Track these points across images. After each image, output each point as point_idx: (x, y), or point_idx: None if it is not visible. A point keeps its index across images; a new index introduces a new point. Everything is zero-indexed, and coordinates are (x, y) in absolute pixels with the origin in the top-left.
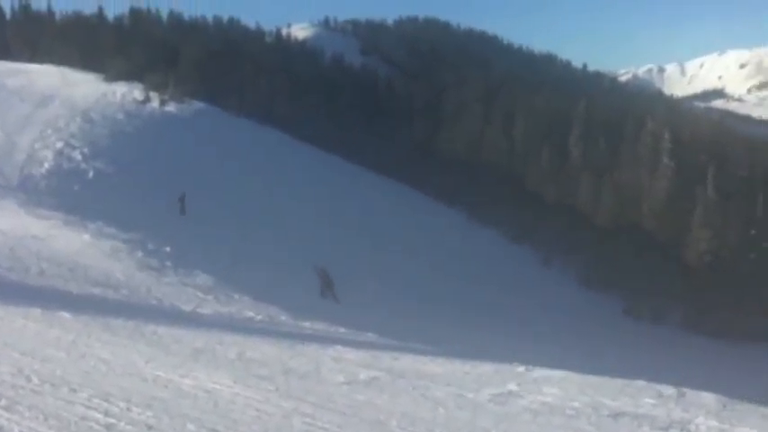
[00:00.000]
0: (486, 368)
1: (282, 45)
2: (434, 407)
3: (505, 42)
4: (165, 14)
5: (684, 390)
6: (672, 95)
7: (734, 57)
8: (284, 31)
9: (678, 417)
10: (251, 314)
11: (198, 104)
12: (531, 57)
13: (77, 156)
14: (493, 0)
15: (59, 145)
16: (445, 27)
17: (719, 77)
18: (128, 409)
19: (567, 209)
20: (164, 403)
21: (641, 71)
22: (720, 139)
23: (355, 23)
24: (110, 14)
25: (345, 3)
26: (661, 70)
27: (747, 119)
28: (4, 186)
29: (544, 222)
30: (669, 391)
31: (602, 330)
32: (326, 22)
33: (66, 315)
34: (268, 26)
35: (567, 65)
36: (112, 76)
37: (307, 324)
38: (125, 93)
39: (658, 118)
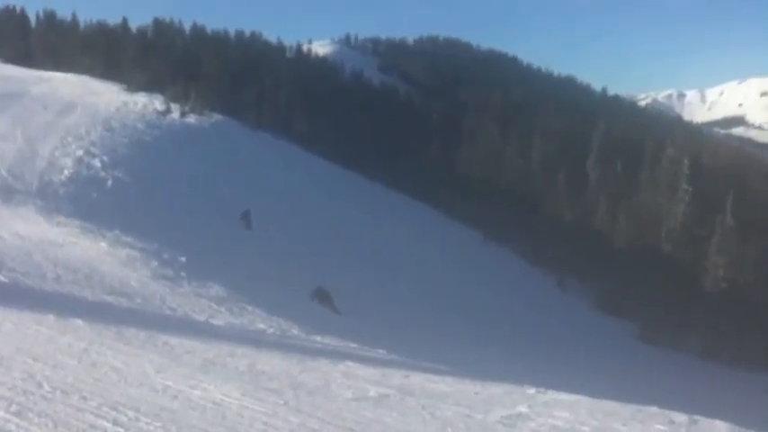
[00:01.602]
0: (496, 389)
1: (302, 61)
2: (443, 427)
3: (525, 64)
4: (187, 27)
5: (697, 417)
6: (691, 121)
7: (755, 85)
8: (305, 47)
9: None
10: (263, 326)
11: (217, 117)
12: (550, 79)
13: (97, 164)
14: (513, 22)
15: (79, 153)
16: (465, 47)
17: (740, 105)
18: (136, 419)
19: (583, 232)
20: (172, 414)
21: (661, 96)
22: (740, 167)
23: (375, 41)
24: (134, 25)
25: (366, 21)
26: (681, 96)
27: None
28: (24, 192)
29: (560, 245)
30: (681, 418)
31: (617, 355)
32: (347, 39)
33: (79, 322)
34: (289, 41)
35: (587, 88)
36: (134, 86)
37: (318, 338)
38: (146, 103)
39: (677, 143)
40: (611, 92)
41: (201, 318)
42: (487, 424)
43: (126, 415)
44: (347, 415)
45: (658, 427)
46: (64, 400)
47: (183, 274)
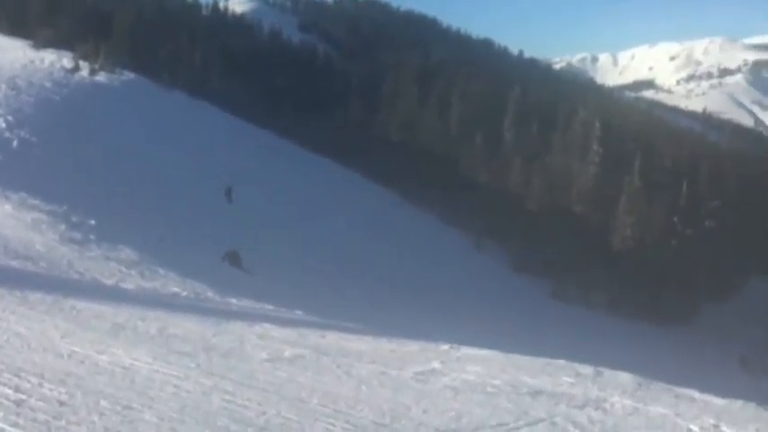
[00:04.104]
0: (411, 347)
1: (219, 18)
2: (357, 385)
3: (444, 26)
4: None
5: (602, 369)
6: (603, 85)
7: (664, 49)
8: (221, 4)
9: (594, 395)
10: (176, 290)
11: (129, 75)
12: (468, 41)
13: (1, 124)
14: None
15: None
16: (385, 7)
17: (650, 69)
18: (40, 385)
19: (498, 193)
20: (78, 379)
21: (575, 59)
22: (648, 129)
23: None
24: None
25: None
26: (594, 59)
27: (675, 110)
28: None
29: (476, 205)
30: (587, 370)
31: (529, 312)
32: None
33: None
34: None
35: (504, 51)
36: (41, 43)
37: (233, 301)
38: (54, 61)
39: (590, 106)
40: (528, 55)
41: (111, 282)
42: (401, 380)
43: (29, 381)
44: (261, 376)
45: (566, 378)
46: None
47: (92, 237)
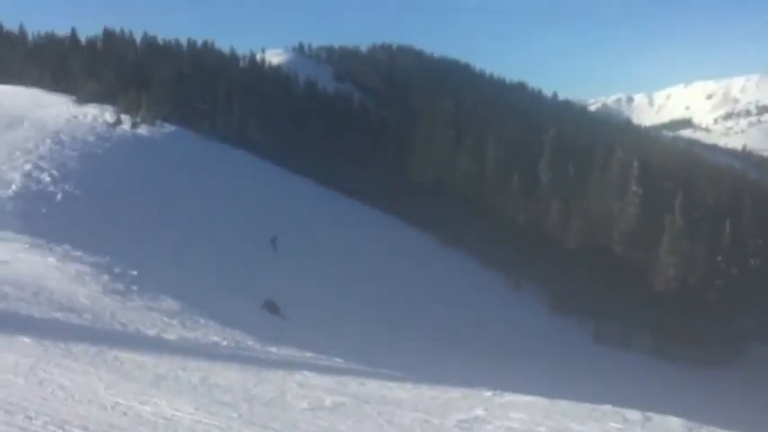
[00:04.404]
0: (453, 393)
1: (256, 70)
2: None
3: (477, 71)
4: (138, 37)
5: (650, 414)
6: (640, 125)
7: (700, 87)
8: (258, 56)
9: None
10: (217, 339)
11: (170, 128)
12: (501, 85)
13: (46, 178)
14: (465, 29)
15: (28, 167)
16: (418, 55)
17: (687, 108)
18: None
19: (537, 234)
20: (121, 431)
21: (610, 100)
22: (687, 168)
23: (329, 50)
24: (83, 36)
25: (319, 29)
26: (630, 100)
27: (714, 148)
28: None
29: (515, 248)
30: (635, 415)
31: (571, 355)
32: (300, 48)
33: (26, 340)
34: (242, 51)
35: (538, 93)
36: (84, 98)
37: (273, 349)
38: (96, 115)
39: (627, 146)
40: (562, 97)
41: (153, 332)
42: (444, 428)
43: None
44: (303, 425)
45: (613, 425)
46: (8, 419)
47: (134, 287)
